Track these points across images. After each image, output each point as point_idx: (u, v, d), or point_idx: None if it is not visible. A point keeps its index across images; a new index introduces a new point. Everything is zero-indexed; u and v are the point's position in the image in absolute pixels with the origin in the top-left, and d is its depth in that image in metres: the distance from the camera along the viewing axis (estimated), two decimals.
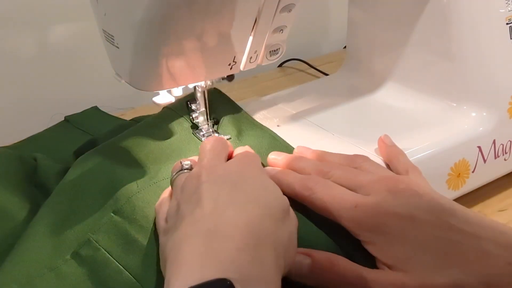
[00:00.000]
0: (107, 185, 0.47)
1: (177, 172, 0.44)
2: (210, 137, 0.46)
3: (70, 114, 0.74)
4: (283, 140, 0.52)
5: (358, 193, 0.42)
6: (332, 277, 0.38)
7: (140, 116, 0.66)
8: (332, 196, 0.42)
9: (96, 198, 0.47)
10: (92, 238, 0.44)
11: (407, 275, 0.36)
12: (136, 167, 0.49)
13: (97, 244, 0.43)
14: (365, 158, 0.47)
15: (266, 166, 0.50)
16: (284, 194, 0.42)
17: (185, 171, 0.44)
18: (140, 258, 0.42)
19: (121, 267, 0.42)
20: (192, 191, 0.39)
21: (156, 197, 0.46)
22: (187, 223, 0.37)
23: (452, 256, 0.36)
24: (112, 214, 0.45)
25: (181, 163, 0.45)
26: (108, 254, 0.43)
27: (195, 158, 0.47)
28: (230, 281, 0.30)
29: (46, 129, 0.74)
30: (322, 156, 0.49)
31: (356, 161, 0.46)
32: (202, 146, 0.44)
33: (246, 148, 0.49)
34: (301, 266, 0.39)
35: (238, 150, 0.48)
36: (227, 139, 0.53)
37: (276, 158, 0.49)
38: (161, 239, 0.39)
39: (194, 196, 0.38)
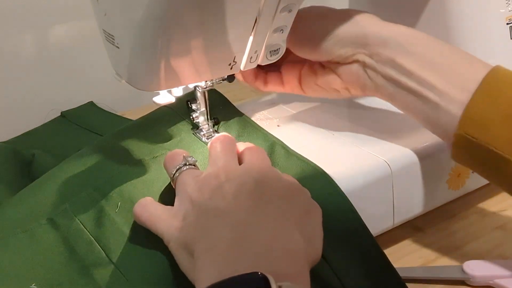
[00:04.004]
0: (92, 166, 0.49)
1: (178, 168, 0.43)
2: (218, 136, 0.47)
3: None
4: (283, 143, 0.52)
5: None
6: None
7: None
8: None
9: (79, 175, 0.48)
10: (69, 208, 0.45)
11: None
12: (132, 164, 0.50)
13: (73, 215, 0.45)
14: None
15: None
16: None
17: (186, 167, 0.43)
18: (111, 233, 0.44)
19: (92, 238, 0.44)
20: (212, 189, 0.39)
21: (134, 176, 0.47)
22: (213, 216, 0.37)
23: None
24: (92, 190, 0.46)
25: (184, 157, 0.44)
26: (82, 225, 0.44)
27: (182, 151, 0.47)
28: (262, 274, 0.31)
29: (43, 124, 0.74)
30: None
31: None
32: (213, 147, 0.45)
33: (248, 144, 0.49)
34: None
35: (240, 146, 0.48)
36: None
37: None
38: (179, 236, 0.39)
39: (217, 193, 0.39)
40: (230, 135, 0.48)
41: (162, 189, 0.47)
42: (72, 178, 0.48)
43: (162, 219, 0.41)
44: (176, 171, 0.43)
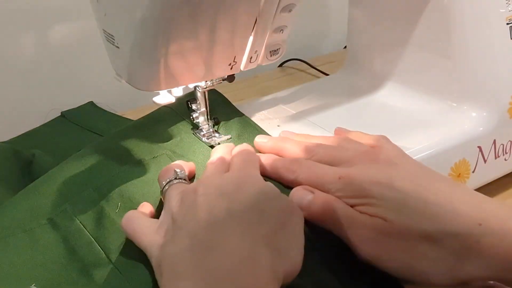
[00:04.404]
0: (92, 166, 0.49)
1: (168, 181, 0.44)
2: (216, 150, 0.49)
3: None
4: None
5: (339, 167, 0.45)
6: (326, 214, 0.42)
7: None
8: (316, 174, 0.44)
9: (79, 176, 0.48)
10: (69, 209, 0.45)
11: (387, 222, 0.40)
12: (132, 164, 0.50)
13: (73, 215, 0.45)
14: (346, 138, 0.49)
15: None
16: (270, 178, 0.45)
17: (176, 181, 0.44)
18: (110, 233, 0.44)
19: (92, 239, 0.44)
20: (189, 204, 0.39)
21: (134, 176, 0.47)
22: (183, 237, 0.37)
23: (428, 215, 0.39)
24: (92, 190, 0.47)
25: (175, 171, 0.45)
26: (82, 226, 0.44)
27: (183, 162, 0.48)
28: None
29: (43, 124, 0.74)
30: (306, 138, 0.51)
31: (337, 141, 0.49)
32: (209, 162, 0.47)
33: (244, 146, 0.49)
34: (302, 200, 0.42)
35: (237, 149, 0.48)
36: (227, 139, 0.53)
37: (262, 141, 0.51)
38: (158, 254, 0.39)
39: (191, 210, 0.39)
40: (229, 148, 0.49)
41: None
42: (72, 178, 0.48)
43: (145, 234, 0.41)
44: (165, 185, 0.44)
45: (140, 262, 0.42)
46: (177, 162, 0.48)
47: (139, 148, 0.51)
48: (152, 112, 0.58)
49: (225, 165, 0.46)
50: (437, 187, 0.41)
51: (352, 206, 0.42)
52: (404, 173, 0.42)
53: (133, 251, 0.43)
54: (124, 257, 0.43)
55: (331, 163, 0.45)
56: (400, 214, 0.39)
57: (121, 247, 0.43)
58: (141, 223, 0.42)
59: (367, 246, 0.40)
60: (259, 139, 0.51)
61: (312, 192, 0.43)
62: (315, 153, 0.47)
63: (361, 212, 0.41)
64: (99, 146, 0.52)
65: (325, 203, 0.42)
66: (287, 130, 0.54)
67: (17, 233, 0.44)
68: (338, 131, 0.53)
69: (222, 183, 0.41)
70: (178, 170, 0.45)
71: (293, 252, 0.38)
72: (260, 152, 0.50)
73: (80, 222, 0.45)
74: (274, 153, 0.50)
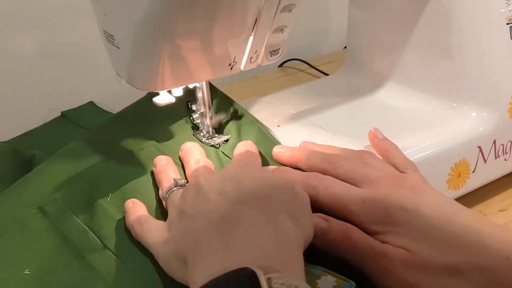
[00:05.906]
0: (82, 159, 0.49)
1: (169, 190, 0.44)
2: (189, 148, 0.49)
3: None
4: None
5: (362, 188, 0.43)
6: (344, 243, 0.40)
7: None
8: (338, 192, 0.42)
9: (69, 168, 0.48)
10: (59, 198, 0.46)
11: (412, 254, 0.38)
12: (122, 155, 0.50)
13: (64, 205, 0.45)
14: (372, 155, 0.47)
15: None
16: None
17: (176, 188, 0.44)
18: (103, 221, 0.44)
19: (85, 227, 0.44)
20: (193, 195, 0.39)
21: (123, 167, 0.48)
22: (198, 219, 0.37)
23: (454, 247, 0.37)
24: (82, 182, 0.47)
25: (174, 180, 0.45)
26: (74, 215, 0.45)
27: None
28: (250, 269, 0.30)
29: (43, 124, 0.74)
30: (328, 149, 0.49)
31: (362, 156, 0.47)
32: (187, 160, 0.47)
33: (249, 143, 0.49)
34: (317, 228, 0.40)
35: (239, 146, 0.48)
36: (227, 139, 0.53)
37: (281, 151, 0.49)
38: (164, 249, 0.39)
39: (198, 198, 0.38)
40: (198, 146, 0.49)
41: (151, 178, 0.48)
42: (62, 171, 0.48)
43: (151, 234, 0.41)
44: (167, 194, 0.44)
45: (136, 246, 0.42)
46: (171, 164, 0.48)
47: (126, 140, 0.52)
48: (136, 102, 0.57)
49: (211, 169, 0.46)
50: (463, 218, 0.39)
51: (374, 232, 0.40)
52: (430, 202, 0.40)
53: (129, 237, 0.43)
54: (119, 242, 0.43)
55: (354, 179, 0.43)
56: (425, 245, 0.38)
57: (116, 233, 0.43)
58: (150, 224, 0.42)
59: (388, 279, 0.38)
60: (277, 149, 0.50)
61: (327, 221, 0.41)
62: (338, 166, 0.45)
63: (382, 242, 0.39)
64: (89, 139, 0.53)
65: (343, 231, 0.40)
66: (285, 129, 0.54)
67: (8, 222, 0.44)
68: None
69: (222, 174, 0.41)
70: (177, 179, 0.45)
71: (307, 222, 0.38)
72: (278, 163, 0.49)
73: (71, 211, 0.45)
74: (293, 164, 0.48)
